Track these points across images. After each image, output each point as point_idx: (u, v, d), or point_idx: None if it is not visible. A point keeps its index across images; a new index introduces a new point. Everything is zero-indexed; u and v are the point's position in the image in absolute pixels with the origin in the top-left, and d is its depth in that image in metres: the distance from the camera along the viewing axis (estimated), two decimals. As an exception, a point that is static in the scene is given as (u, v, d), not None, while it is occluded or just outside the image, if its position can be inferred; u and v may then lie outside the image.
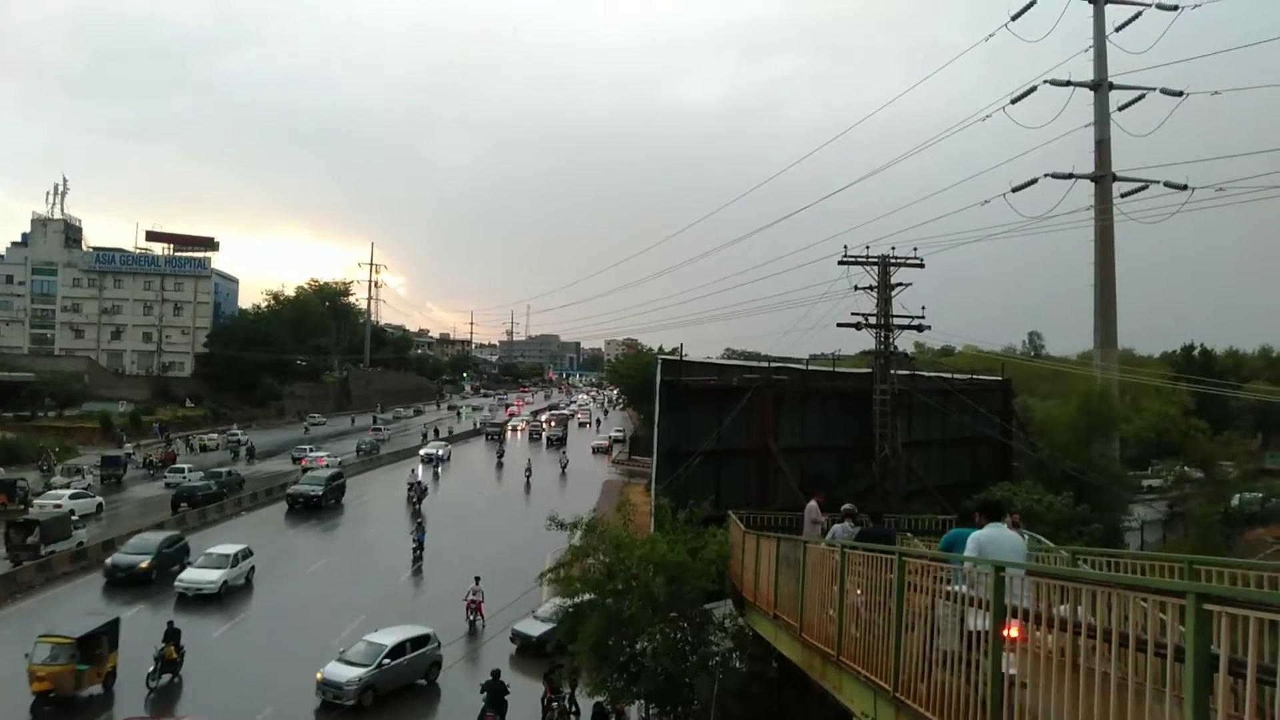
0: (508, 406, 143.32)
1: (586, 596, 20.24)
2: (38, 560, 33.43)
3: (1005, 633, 6.82)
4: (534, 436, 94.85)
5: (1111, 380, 41.47)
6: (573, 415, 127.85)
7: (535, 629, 27.88)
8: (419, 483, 52.83)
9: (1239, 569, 8.83)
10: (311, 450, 68.32)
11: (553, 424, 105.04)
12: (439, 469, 67.76)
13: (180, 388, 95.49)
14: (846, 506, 14.62)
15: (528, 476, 61.10)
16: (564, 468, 69.43)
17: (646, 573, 18.99)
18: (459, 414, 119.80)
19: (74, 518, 38.84)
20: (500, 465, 73.34)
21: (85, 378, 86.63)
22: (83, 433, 71.34)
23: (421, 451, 72.41)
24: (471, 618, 29.67)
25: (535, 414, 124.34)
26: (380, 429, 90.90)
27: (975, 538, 8.36)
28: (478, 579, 30.42)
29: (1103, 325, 41.77)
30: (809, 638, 12.64)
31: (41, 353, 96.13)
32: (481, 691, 21.76)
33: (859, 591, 10.50)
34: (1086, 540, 25.94)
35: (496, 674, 22.08)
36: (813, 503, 16.64)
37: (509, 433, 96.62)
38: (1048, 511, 28.81)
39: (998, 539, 8.23)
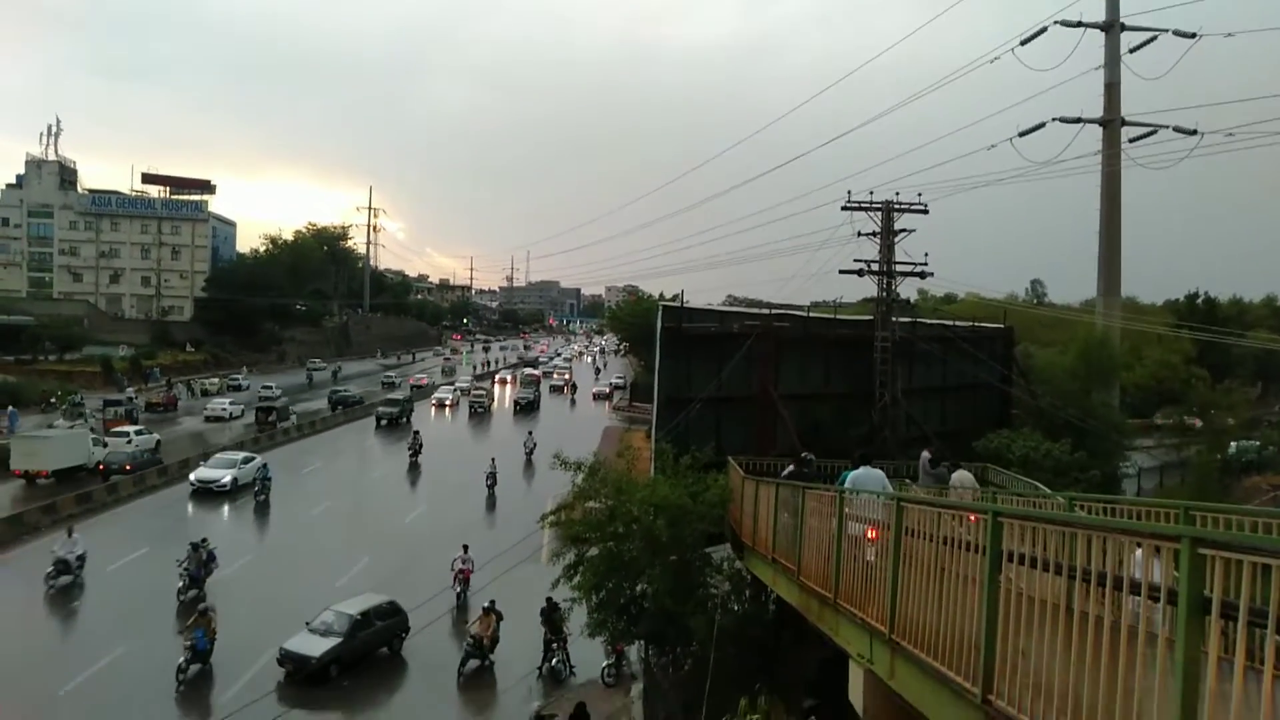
0: (527, 348, 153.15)
1: (591, 551, 20.40)
2: (275, 429, 55.60)
3: (866, 533, 9.93)
4: (475, 410, 69.33)
5: (1111, 327, 41.42)
6: (547, 375, 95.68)
7: (313, 646, 21.16)
8: (189, 572, 26.23)
9: (1234, 515, 8.90)
10: (395, 377, 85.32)
11: (509, 384, 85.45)
12: (261, 497, 38.08)
13: (180, 332, 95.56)
14: (805, 455, 17.74)
15: (491, 485, 41.60)
16: (530, 453, 49.15)
17: (647, 516, 19.19)
18: (486, 349, 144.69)
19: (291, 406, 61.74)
20: (415, 469, 47.15)
21: (85, 321, 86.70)
22: (84, 376, 71.65)
23: (192, 476, 39.76)
24: (459, 589, 27.11)
25: (479, 376, 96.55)
26: (449, 355, 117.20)
27: (852, 475, 12.13)
28: (465, 547, 27.73)
29: (1107, 272, 41.58)
30: (807, 581, 12.80)
31: (40, 296, 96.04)
32: (541, 620, 22.96)
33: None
34: (1084, 486, 26.18)
35: (550, 600, 22.60)
36: (925, 453, 18.24)
37: (436, 408, 71.65)
38: (1045, 459, 29.01)
39: (866, 476, 11.94)
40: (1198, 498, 24.39)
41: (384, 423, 60.90)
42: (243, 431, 56.06)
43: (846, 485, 11.89)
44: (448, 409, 72.20)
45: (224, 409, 61.87)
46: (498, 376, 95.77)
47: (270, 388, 72.93)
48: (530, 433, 52.89)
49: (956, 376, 36.37)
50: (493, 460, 42.53)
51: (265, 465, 40.13)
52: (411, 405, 64.93)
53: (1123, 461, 37.74)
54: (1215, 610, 4.63)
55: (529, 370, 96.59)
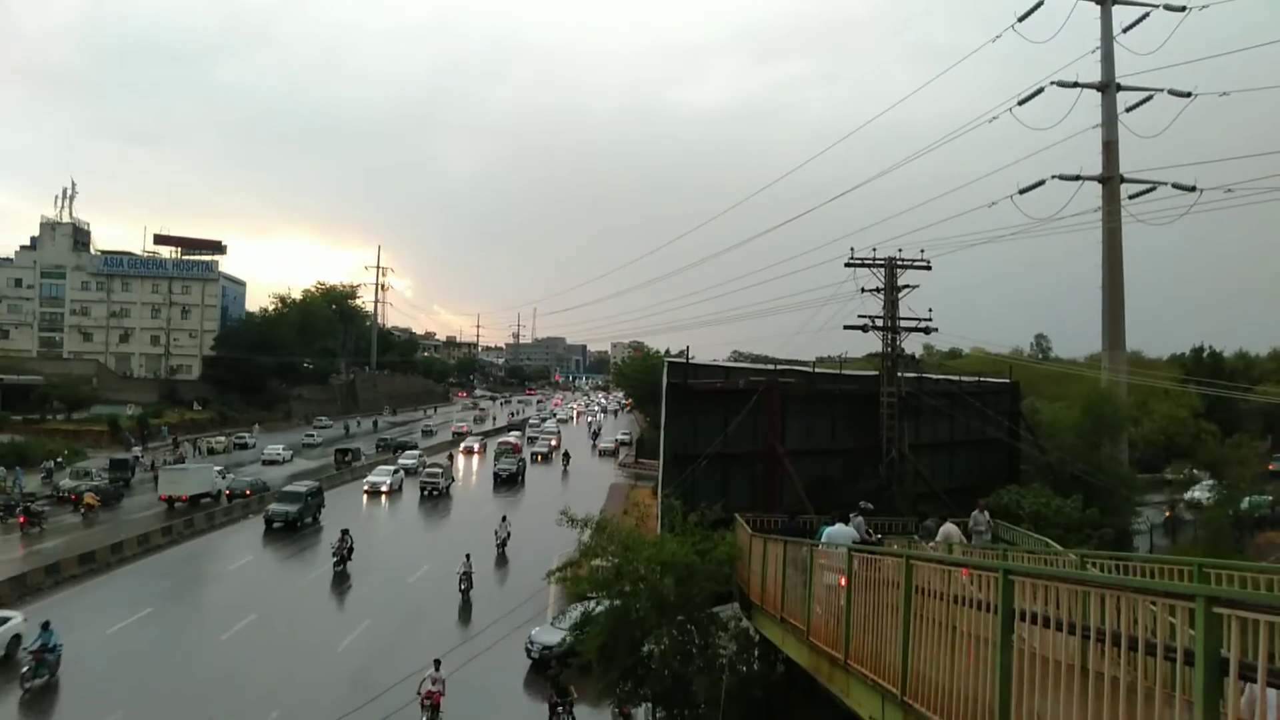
0: (540, 402, 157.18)
1: (598, 607, 20.30)
2: (351, 466, 65.17)
3: (839, 581, 11.59)
4: (429, 493, 55.25)
5: (1116, 382, 41.31)
6: (531, 439, 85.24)
7: None
8: None
9: (1249, 572, 8.79)
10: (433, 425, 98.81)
11: (475, 454, 76.21)
12: (35, 682, 23.07)
13: (188, 390, 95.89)
14: (865, 504, 18.04)
15: (465, 589, 33.03)
16: (502, 545, 39.70)
17: (654, 574, 18.99)
18: (505, 403, 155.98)
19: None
20: (342, 581, 35.48)
21: (93, 381, 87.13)
22: (91, 435, 71.83)
23: None
24: (426, 717, 21.73)
25: (431, 449, 79.10)
26: (485, 408, 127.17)
27: (827, 532, 14.18)
28: (438, 663, 22.10)
29: (1111, 327, 41.60)
30: (817, 641, 12.61)
31: (50, 356, 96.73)
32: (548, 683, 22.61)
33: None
34: (1096, 543, 25.87)
35: (555, 662, 23.34)
36: (976, 511, 18.72)
37: (368, 495, 55.46)
38: (1056, 515, 28.73)
39: (839, 531, 14.00)
40: (1211, 554, 24.08)
41: (277, 525, 43.90)
42: (283, 480, 55.45)
43: (823, 540, 13.88)
44: (384, 496, 55.77)
45: (278, 453, 69.81)
46: (462, 446, 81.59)
47: (313, 435, 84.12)
48: (504, 518, 41.66)
49: (963, 432, 36.23)
50: (467, 557, 33.68)
51: (46, 628, 23.71)
52: (321, 499, 47.99)
53: (1134, 517, 37.30)
54: (1233, 671, 4.56)
55: (508, 437, 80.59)
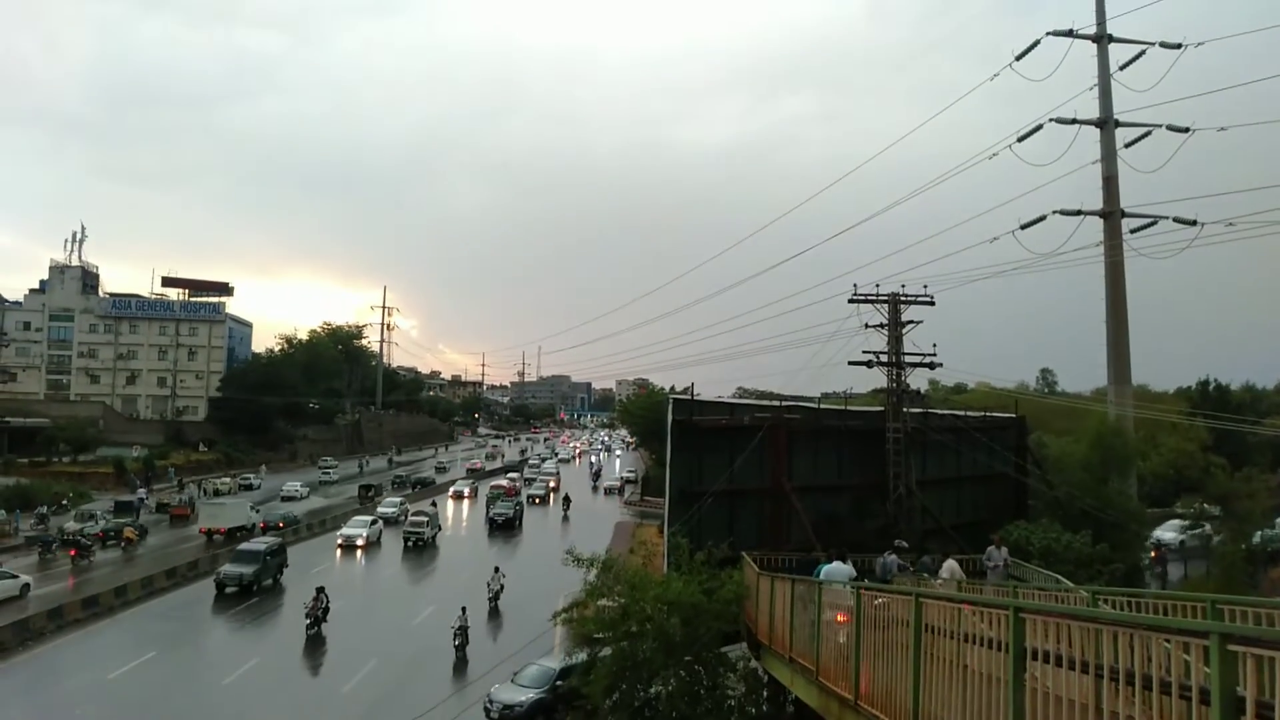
0: (547, 440, 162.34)
1: (604, 651, 20.12)
2: (374, 502, 66.37)
3: (836, 618, 12.21)
4: (414, 543, 51.07)
5: (1124, 416, 41.11)
6: (529, 480, 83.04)
7: None
8: None
9: (1264, 608, 8.69)
10: (446, 462, 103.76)
11: (465, 499, 73.70)
12: None
13: (194, 431, 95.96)
14: (899, 542, 19.96)
15: (459, 645, 30.35)
16: (495, 598, 36.92)
17: (661, 614, 18.80)
18: (509, 442, 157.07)
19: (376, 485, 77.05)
20: (316, 645, 32.06)
21: (100, 423, 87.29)
22: (96, 477, 71.89)
23: None
24: None
25: (404, 481, 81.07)
26: (496, 445, 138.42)
27: (825, 570, 14.98)
28: None
29: (1115, 361, 41.50)
30: (826, 681, 12.45)
31: (57, 398, 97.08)
32: None
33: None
34: (1107, 580, 25.58)
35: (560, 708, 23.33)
36: (992, 548, 19.70)
37: (342, 549, 50.09)
38: (1066, 550, 28.46)
39: (836, 569, 14.84)
40: (1224, 590, 23.79)
41: (231, 590, 38.40)
42: (304, 516, 59.22)
43: (822, 577, 14.35)
44: (359, 550, 50.26)
45: (296, 490, 72.71)
46: (451, 491, 77.47)
47: (329, 474, 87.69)
48: (497, 569, 38.44)
49: (971, 467, 36.04)
50: (463, 611, 31.14)
51: None
52: (284, 557, 42.76)
53: (1144, 553, 36.92)
54: (1250, 710, 4.50)
55: (503, 481, 76.85)
